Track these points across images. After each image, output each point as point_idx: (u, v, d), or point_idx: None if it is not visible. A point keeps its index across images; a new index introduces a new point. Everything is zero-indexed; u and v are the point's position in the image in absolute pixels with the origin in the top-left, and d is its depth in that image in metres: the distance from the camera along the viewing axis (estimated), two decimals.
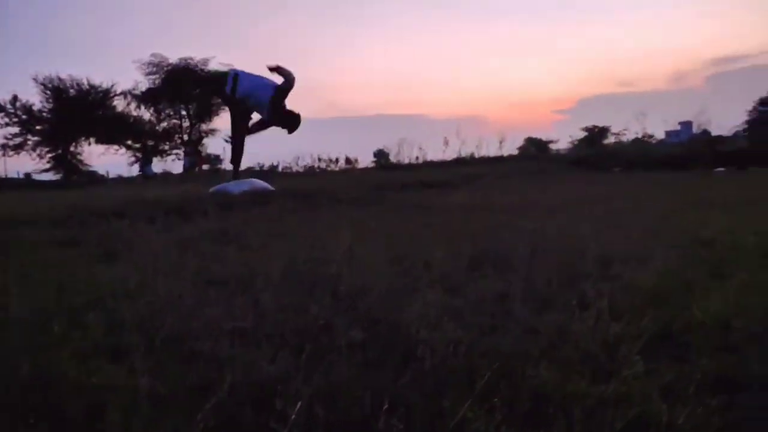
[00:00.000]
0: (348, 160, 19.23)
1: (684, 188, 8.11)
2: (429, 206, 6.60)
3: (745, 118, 24.63)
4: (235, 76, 6.92)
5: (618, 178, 11.17)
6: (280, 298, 2.26)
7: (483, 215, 5.34)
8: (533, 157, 14.50)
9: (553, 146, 36.74)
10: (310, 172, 17.64)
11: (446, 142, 16.30)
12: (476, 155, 16.04)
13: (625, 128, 28.40)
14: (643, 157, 12.86)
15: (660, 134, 37.11)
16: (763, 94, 24.41)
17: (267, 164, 20.75)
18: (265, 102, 6.92)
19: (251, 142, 7.49)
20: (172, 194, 6.82)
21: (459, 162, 14.85)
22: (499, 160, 14.63)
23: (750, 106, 24.62)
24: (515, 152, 34.17)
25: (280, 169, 19.46)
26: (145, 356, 1.55)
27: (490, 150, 17.03)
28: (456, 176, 11.13)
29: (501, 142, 16.82)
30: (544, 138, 36.22)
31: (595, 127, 36.65)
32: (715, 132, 20.93)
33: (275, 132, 7.44)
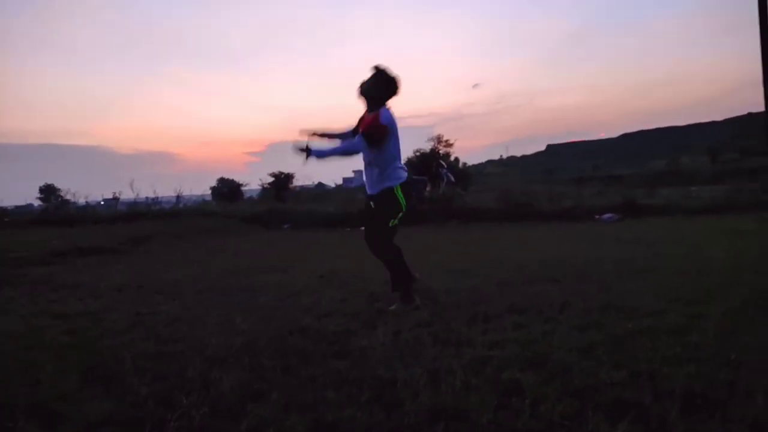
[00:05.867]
0: None
1: (333, 247, 9.49)
2: (80, 285, 6.20)
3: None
4: None
5: (280, 239, 12.29)
6: None
7: (132, 299, 5.31)
8: (210, 213, 14.77)
9: (245, 188, 38.42)
10: None
11: (119, 194, 15.35)
12: (153, 208, 15.49)
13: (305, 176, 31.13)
14: (308, 215, 14.48)
15: (339, 180, 42.29)
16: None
17: None
18: None
19: None
20: None
21: (132, 217, 14.11)
22: (176, 215, 14.45)
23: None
24: (208, 191, 34.01)
25: None
26: None
27: (173, 191, 16.40)
28: (124, 237, 10.57)
29: (178, 197, 16.58)
30: (237, 179, 37.60)
31: (281, 173, 39.36)
32: None
33: None
